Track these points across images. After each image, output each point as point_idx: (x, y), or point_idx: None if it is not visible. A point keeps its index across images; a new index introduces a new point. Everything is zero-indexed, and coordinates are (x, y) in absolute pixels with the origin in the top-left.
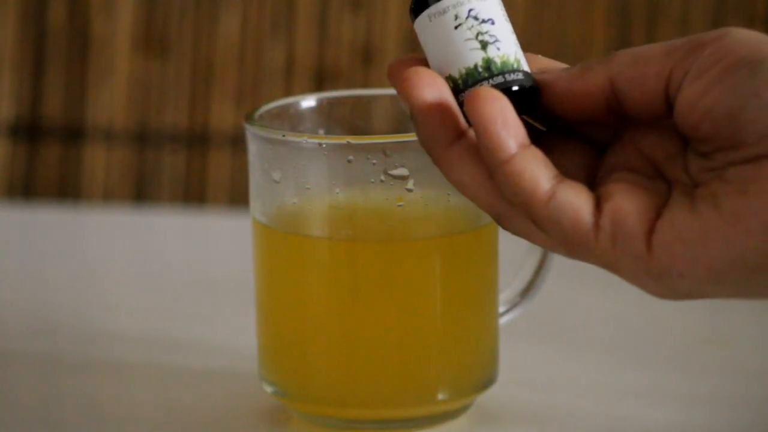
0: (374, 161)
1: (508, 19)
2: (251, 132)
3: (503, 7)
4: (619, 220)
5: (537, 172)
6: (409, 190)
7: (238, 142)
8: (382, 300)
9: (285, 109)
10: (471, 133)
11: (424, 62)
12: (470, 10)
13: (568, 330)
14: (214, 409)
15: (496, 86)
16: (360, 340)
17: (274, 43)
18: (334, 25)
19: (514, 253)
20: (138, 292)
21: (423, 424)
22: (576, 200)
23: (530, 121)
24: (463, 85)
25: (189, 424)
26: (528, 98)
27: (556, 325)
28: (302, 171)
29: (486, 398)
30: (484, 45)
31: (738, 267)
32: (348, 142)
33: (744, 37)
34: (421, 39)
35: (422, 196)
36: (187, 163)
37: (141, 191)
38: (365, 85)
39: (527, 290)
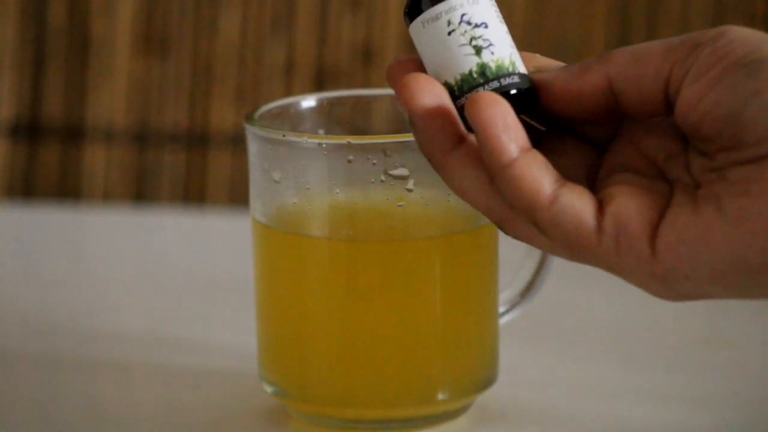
0: (374, 161)
1: (502, 19)
2: (251, 132)
3: (497, 8)
4: (622, 222)
5: (539, 175)
6: (409, 190)
7: (238, 142)
8: (382, 300)
9: (285, 109)
10: (471, 138)
11: (422, 63)
12: (463, 15)
13: (568, 330)
14: (214, 409)
15: (493, 92)
16: (360, 340)
17: (274, 43)
18: (334, 25)
19: (514, 253)
20: (138, 292)
21: (423, 424)
22: (578, 203)
23: (529, 121)
24: (459, 91)
25: (189, 424)
26: (526, 100)
27: (556, 325)
28: (302, 171)
29: (486, 398)
30: (478, 50)
31: (741, 268)
32: (348, 142)
33: (743, 36)
34: (416, 44)
35: (422, 196)
36: (187, 163)
37: (141, 191)
38: (365, 85)
39: (527, 290)
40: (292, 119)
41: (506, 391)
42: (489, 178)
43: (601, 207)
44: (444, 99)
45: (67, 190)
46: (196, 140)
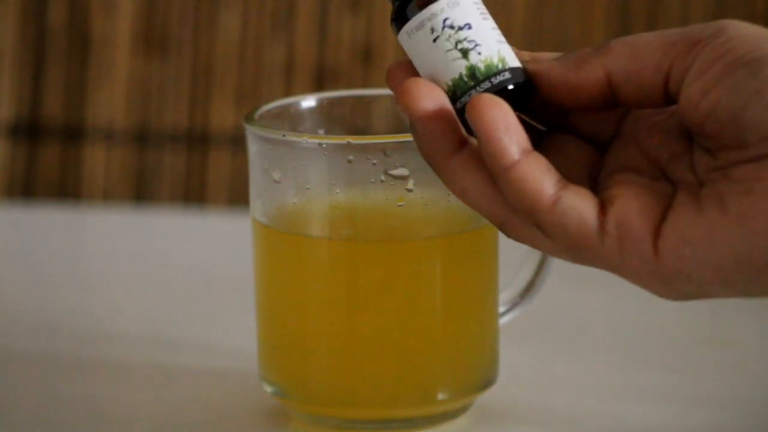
0: (374, 161)
1: (487, 15)
2: (251, 132)
3: (480, 4)
4: (625, 223)
5: (541, 177)
6: (409, 190)
7: (238, 142)
8: (382, 300)
9: (285, 109)
10: (472, 141)
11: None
12: (445, 20)
13: (568, 330)
14: (214, 409)
15: (485, 92)
16: (360, 340)
17: (274, 43)
18: (334, 25)
19: (514, 253)
20: (138, 292)
21: (423, 424)
22: (581, 205)
23: (529, 120)
24: (453, 96)
25: (189, 424)
26: (522, 93)
27: (556, 325)
28: (302, 171)
29: (486, 398)
30: (464, 53)
31: (745, 268)
32: (348, 142)
33: (743, 33)
34: (407, 53)
35: (422, 196)
36: (187, 163)
37: (141, 191)
38: (365, 85)
39: (527, 290)
40: (292, 119)
41: (506, 391)
42: (491, 181)
43: (603, 208)
44: (444, 103)
45: (67, 190)
46: (196, 140)
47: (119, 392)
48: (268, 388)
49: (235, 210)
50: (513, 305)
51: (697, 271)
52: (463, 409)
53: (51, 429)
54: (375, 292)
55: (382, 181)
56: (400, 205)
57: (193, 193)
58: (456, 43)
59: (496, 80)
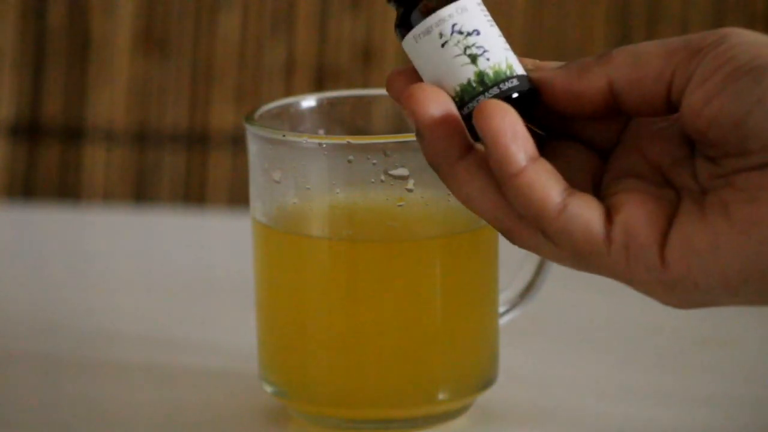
0: (374, 161)
1: (493, 22)
2: (251, 132)
3: (486, 12)
4: (631, 231)
5: (547, 184)
6: (410, 190)
7: (238, 142)
8: (382, 300)
9: (285, 109)
10: (478, 147)
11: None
12: (454, 25)
13: (568, 330)
14: (214, 409)
15: (494, 98)
16: (360, 340)
17: (274, 43)
18: (334, 25)
19: (514, 253)
20: (138, 292)
21: (423, 424)
22: (587, 212)
23: (532, 128)
24: (460, 101)
25: (189, 424)
26: (527, 101)
27: (556, 325)
28: (302, 171)
29: (486, 398)
30: (473, 59)
31: (753, 276)
32: (348, 142)
33: (745, 41)
34: (412, 59)
35: (422, 196)
36: (187, 163)
37: (141, 191)
38: (365, 85)
39: (527, 290)
40: (292, 119)
41: (506, 391)
42: (497, 188)
43: (609, 215)
44: (451, 108)
45: (67, 190)
46: (196, 140)
47: (119, 392)
48: (268, 388)
49: (235, 210)
50: (513, 305)
51: (704, 279)
52: (463, 409)
53: (51, 429)
54: (375, 292)
55: (382, 181)
56: (400, 205)
57: (193, 193)
58: (465, 49)
59: (504, 87)
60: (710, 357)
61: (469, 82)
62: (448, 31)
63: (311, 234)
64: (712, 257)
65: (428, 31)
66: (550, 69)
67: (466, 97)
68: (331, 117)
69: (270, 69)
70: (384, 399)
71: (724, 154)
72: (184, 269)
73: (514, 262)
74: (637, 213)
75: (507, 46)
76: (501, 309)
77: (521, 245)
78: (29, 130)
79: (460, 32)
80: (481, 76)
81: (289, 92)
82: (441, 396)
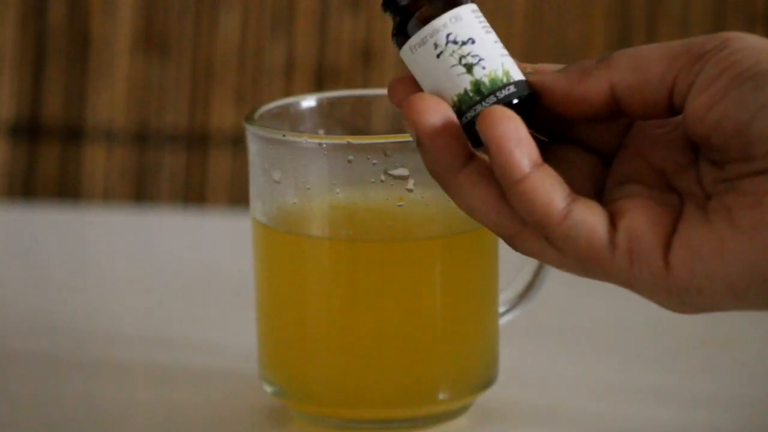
0: (374, 161)
1: (489, 28)
2: (251, 132)
3: (481, 18)
4: (635, 237)
5: (551, 190)
6: (410, 190)
7: (238, 142)
8: (382, 300)
9: (285, 109)
10: (479, 155)
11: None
12: (448, 35)
13: (567, 330)
14: (214, 409)
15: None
16: (360, 340)
17: (274, 43)
18: (334, 25)
19: (514, 254)
20: (138, 292)
21: (423, 424)
22: (591, 218)
23: (535, 134)
24: (458, 111)
25: (189, 424)
26: (526, 107)
27: (555, 325)
28: (302, 171)
29: (486, 398)
30: (469, 68)
31: (757, 281)
32: (348, 142)
33: (747, 46)
34: (410, 68)
35: (422, 196)
36: (187, 163)
37: (141, 191)
38: (365, 85)
39: (527, 290)
40: (292, 119)
41: (506, 391)
42: (499, 195)
43: (613, 221)
44: (451, 117)
45: (67, 190)
46: (196, 140)
47: (119, 392)
48: (268, 388)
49: (235, 210)
50: (513, 305)
51: (708, 284)
52: (463, 409)
53: (51, 429)
54: (375, 292)
55: (382, 181)
56: (400, 205)
57: (193, 193)
58: (460, 59)
59: (501, 94)
60: (710, 357)
61: (465, 92)
62: (442, 41)
63: (311, 234)
64: (717, 262)
65: (423, 42)
66: (549, 73)
67: (463, 107)
68: (331, 117)
69: (270, 69)
70: (384, 399)
71: (727, 159)
72: (184, 269)
73: (514, 262)
74: (640, 218)
75: (504, 51)
76: (501, 309)
77: (524, 252)
78: (29, 130)
79: (455, 42)
80: (477, 85)
81: (289, 92)
82: (441, 396)
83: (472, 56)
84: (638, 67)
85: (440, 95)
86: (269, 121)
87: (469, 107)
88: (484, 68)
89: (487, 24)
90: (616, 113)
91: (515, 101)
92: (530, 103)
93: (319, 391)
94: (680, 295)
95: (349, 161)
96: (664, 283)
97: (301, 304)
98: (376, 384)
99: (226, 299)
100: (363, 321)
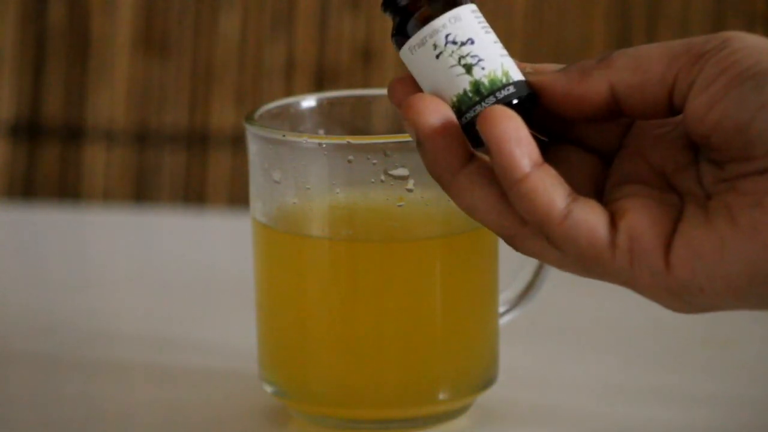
0: (374, 161)
1: (489, 29)
2: (251, 132)
3: (480, 18)
4: (635, 236)
5: (552, 190)
6: (410, 190)
7: (238, 142)
8: (382, 300)
9: (285, 109)
10: (480, 155)
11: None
12: (447, 36)
13: (567, 330)
14: (214, 409)
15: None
16: (360, 340)
17: (274, 43)
18: (334, 25)
19: (514, 254)
20: (138, 291)
21: (423, 424)
22: (592, 218)
23: (535, 134)
24: (458, 111)
25: (189, 424)
26: (526, 107)
27: (555, 325)
28: (302, 171)
29: (486, 398)
30: (468, 68)
31: (758, 280)
32: (348, 142)
33: (747, 45)
34: (410, 69)
35: (422, 196)
36: (187, 163)
37: (141, 191)
38: (365, 85)
39: (527, 290)
40: (292, 119)
41: (506, 391)
42: (499, 195)
43: (613, 221)
44: (451, 118)
45: (67, 190)
46: (196, 140)
47: (119, 392)
48: (268, 388)
49: (235, 210)
50: (513, 305)
51: (709, 283)
52: (463, 409)
53: (51, 429)
54: (375, 292)
55: (382, 181)
56: (400, 205)
57: (193, 193)
58: (459, 59)
59: (500, 95)
60: (710, 357)
61: (465, 92)
62: (442, 42)
63: (311, 234)
64: (718, 261)
65: (423, 43)
66: (549, 73)
67: (463, 107)
68: (331, 117)
69: (270, 69)
70: (384, 399)
71: (728, 158)
72: (184, 269)
73: (514, 263)
74: (641, 218)
75: (504, 52)
76: (501, 309)
77: (525, 252)
78: (29, 130)
79: (454, 42)
80: (476, 85)
81: (289, 92)
82: (441, 396)
83: (472, 57)
84: (638, 67)
85: (440, 96)
86: (269, 121)
87: (469, 107)
88: (483, 68)
89: (486, 24)
90: (616, 113)
91: (515, 101)
92: (530, 103)
93: (319, 391)
94: (681, 295)
95: (349, 161)
96: (664, 282)
97: (301, 304)
98: (376, 384)
99: (226, 299)
100: (363, 321)
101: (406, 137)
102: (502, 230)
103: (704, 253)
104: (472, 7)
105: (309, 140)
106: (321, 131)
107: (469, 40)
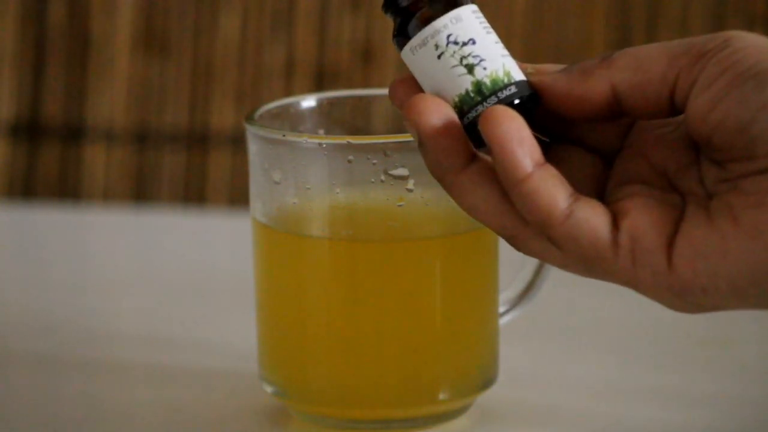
0: (374, 161)
1: (490, 29)
2: (251, 132)
3: (482, 19)
4: (637, 236)
5: (554, 190)
6: (410, 190)
7: (238, 142)
8: (382, 300)
9: (285, 109)
10: (482, 156)
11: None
12: (449, 36)
13: (567, 330)
14: (214, 409)
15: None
16: (360, 340)
17: (274, 43)
18: (334, 25)
19: (514, 253)
20: (138, 292)
21: (423, 424)
22: (594, 218)
23: (537, 135)
24: (459, 112)
25: (189, 424)
26: (527, 107)
27: (556, 325)
28: (302, 171)
29: (486, 398)
30: (470, 68)
31: (760, 280)
32: (348, 142)
33: (748, 44)
34: (411, 69)
35: (422, 196)
36: (187, 163)
37: (141, 191)
38: (365, 85)
39: (527, 290)
40: (292, 119)
41: (506, 391)
42: (501, 195)
43: (615, 221)
44: (452, 118)
45: (67, 190)
46: (196, 140)
47: (119, 392)
48: (268, 388)
49: (235, 210)
50: (513, 305)
51: (712, 283)
52: (463, 409)
53: (51, 429)
54: (375, 292)
55: (382, 181)
56: (400, 205)
57: (193, 193)
58: (461, 59)
59: (502, 95)
60: (710, 357)
61: (467, 92)
62: (443, 42)
63: (311, 234)
64: (720, 261)
65: (424, 43)
66: (550, 73)
67: (465, 107)
68: (331, 117)
69: (270, 69)
70: (384, 399)
71: (729, 158)
72: (184, 269)
73: (514, 262)
74: (643, 218)
75: (505, 52)
76: (501, 309)
77: (527, 252)
78: (29, 130)
79: (456, 42)
80: (478, 85)
81: (289, 92)
82: (441, 396)
83: (473, 57)
84: (639, 67)
85: (441, 96)
86: (269, 121)
87: (471, 108)
88: (485, 69)
89: (487, 24)
90: (618, 113)
91: (516, 101)
92: (531, 103)
93: (319, 391)
94: (683, 295)
95: (349, 161)
96: (666, 282)
97: (301, 304)
98: (376, 384)
99: (226, 299)
100: (363, 321)
101: (406, 137)
102: (503, 230)
103: (706, 253)
104: (473, 7)
105: (309, 140)
106: (321, 131)
107: (470, 40)
